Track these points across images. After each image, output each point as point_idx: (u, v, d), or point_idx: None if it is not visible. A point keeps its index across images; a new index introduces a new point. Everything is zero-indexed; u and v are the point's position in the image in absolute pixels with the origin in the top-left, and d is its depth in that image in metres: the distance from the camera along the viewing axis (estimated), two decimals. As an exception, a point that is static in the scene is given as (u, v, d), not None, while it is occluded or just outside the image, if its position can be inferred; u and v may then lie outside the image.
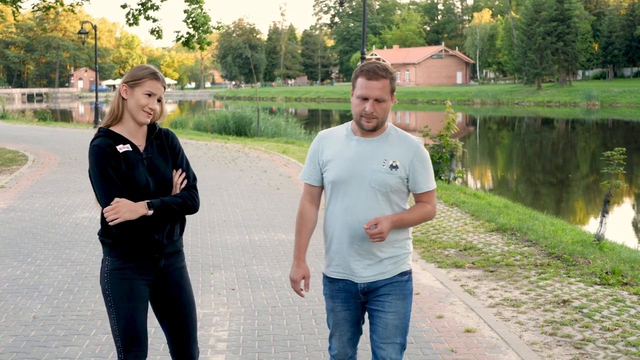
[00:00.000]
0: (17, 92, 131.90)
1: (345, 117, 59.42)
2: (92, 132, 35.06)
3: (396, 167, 4.00)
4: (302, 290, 4.26)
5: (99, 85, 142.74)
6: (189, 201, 4.12)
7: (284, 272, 8.68)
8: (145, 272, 4.13)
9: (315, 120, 64.09)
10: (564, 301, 7.45)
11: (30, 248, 9.95)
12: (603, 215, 10.45)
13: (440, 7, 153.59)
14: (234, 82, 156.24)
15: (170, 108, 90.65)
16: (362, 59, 19.05)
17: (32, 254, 9.58)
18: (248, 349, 6.17)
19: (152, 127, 4.21)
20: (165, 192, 4.12)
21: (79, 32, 37.64)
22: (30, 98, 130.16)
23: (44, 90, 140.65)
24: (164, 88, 4.14)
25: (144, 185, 4.03)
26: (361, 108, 3.97)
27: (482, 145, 41.51)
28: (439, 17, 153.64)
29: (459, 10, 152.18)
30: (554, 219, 12.71)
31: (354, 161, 4.03)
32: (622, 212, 18.81)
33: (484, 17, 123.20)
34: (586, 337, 6.41)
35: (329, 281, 4.22)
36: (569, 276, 8.43)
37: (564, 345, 6.26)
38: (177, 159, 4.21)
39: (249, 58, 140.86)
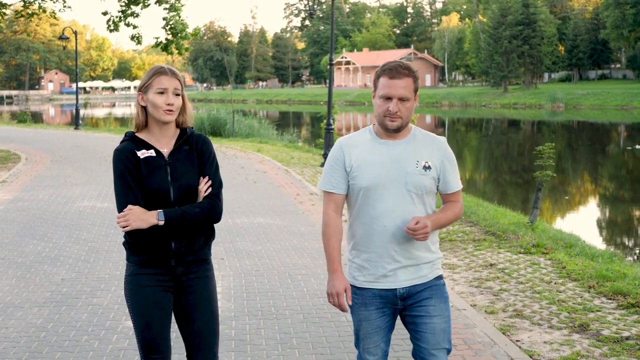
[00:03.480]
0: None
1: (315, 119, 61.03)
2: (73, 133, 36.44)
3: (429, 167, 3.97)
4: (345, 303, 4.01)
5: (70, 88, 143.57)
6: (207, 210, 3.97)
7: (264, 246, 10.37)
8: (163, 280, 4.03)
9: (287, 122, 65.69)
10: (491, 265, 9.25)
11: (45, 230, 11.54)
12: (535, 201, 12.23)
13: (409, 10, 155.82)
14: (205, 85, 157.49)
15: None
16: (331, 64, 20.60)
17: (47, 234, 11.18)
18: (238, 297, 7.86)
19: (183, 132, 4.10)
20: (190, 200, 3.99)
21: (60, 38, 38.90)
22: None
23: (14, 92, 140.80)
24: (179, 81, 3.99)
25: (164, 192, 3.94)
26: (384, 108, 3.91)
27: (450, 146, 42.94)
28: (409, 20, 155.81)
29: (428, 13, 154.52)
30: (497, 207, 14.52)
31: (387, 165, 3.95)
32: (575, 205, 20.85)
33: (452, 20, 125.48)
34: (503, 288, 8.22)
35: (359, 289, 4.06)
36: (499, 248, 10.24)
37: (485, 294, 8.05)
38: (206, 165, 4.07)
39: (221, 60, 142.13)
